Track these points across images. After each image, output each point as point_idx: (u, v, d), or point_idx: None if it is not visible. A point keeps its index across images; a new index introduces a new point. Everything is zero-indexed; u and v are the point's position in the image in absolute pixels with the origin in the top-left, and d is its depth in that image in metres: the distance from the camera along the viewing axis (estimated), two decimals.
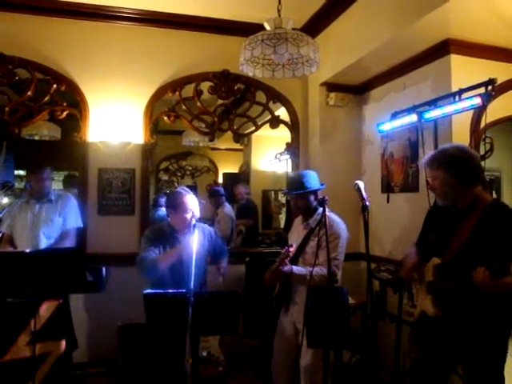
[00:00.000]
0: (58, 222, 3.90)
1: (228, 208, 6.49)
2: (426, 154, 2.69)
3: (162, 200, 6.60)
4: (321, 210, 3.10)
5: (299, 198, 3.17)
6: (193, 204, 3.34)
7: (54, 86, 4.37)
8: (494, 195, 5.98)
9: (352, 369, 4.00)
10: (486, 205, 2.42)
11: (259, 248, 5.77)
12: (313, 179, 3.20)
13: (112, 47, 4.52)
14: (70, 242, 3.86)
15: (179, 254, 3.20)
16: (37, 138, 6.18)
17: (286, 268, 3.00)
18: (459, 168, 2.43)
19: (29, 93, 4.31)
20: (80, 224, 4.07)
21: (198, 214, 3.33)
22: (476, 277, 2.18)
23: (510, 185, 6.26)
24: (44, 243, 3.78)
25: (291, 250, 3.07)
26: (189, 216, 3.30)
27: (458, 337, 2.43)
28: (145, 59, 4.58)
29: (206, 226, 3.64)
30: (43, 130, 5.98)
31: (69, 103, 4.47)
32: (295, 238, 3.30)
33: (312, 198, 3.17)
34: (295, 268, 3.04)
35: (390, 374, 3.68)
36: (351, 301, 3.59)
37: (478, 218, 2.38)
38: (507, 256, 2.15)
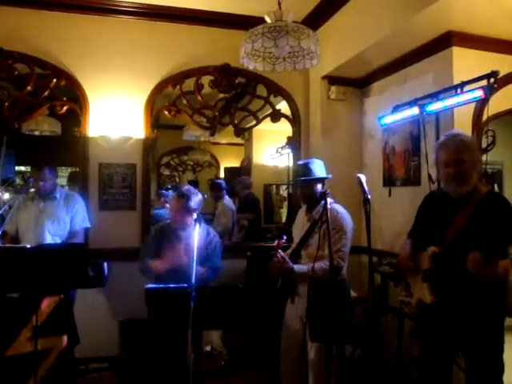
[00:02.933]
0: (65, 220, 3.90)
1: (228, 201, 6.50)
2: (436, 142, 2.65)
3: (165, 193, 6.63)
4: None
5: (306, 185, 3.16)
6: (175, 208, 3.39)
7: (54, 80, 4.34)
8: (496, 188, 5.97)
9: (354, 362, 4.00)
10: (483, 194, 2.46)
11: (261, 242, 5.75)
12: (320, 168, 3.19)
13: (112, 41, 4.49)
14: (78, 242, 3.87)
15: (180, 248, 3.22)
16: (37, 133, 6.17)
17: (286, 266, 3.00)
18: (477, 151, 2.48)
19: (28, 88, 4.28)
20: (87, 224, 4.09)
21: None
22: (469, 260, 2.22)
23: (511, 178, 6.25)
24: (49, 240, 3.78)
25: (281, 241, 3.07)
26: (173, 217, 3.37)
27: (455, 323, 2.45)
28: (145, 53, 4.56)
29: (211, 228, 3.64)
30: (43, 125, 5.98)
31: (69, 98, 4.45)
32: (299, 230, 3.27)
33: (319, 186, 3.15)
34: (296, 267, 3.03)
35: (393, 368, 3.68)
36: (353, 294, 3.58)
37: (476, 205, 2.41)
38: (503, 241, 2.18)
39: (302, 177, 3.16)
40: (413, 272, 2.66)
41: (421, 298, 2.57)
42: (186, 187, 3.54)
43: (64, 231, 3.90)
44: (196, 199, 3.38)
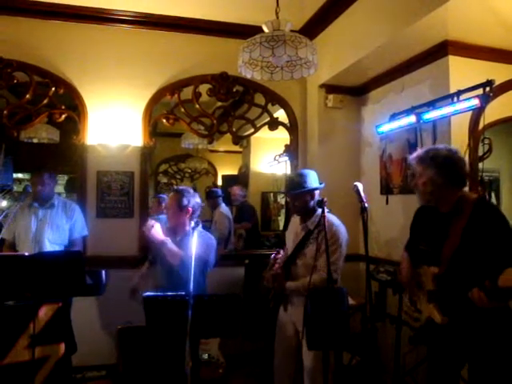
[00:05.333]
0: (64, 228, 3.93)
1: (224, 208, 6.51)
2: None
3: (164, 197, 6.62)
4: (320, 211, 3.04)
5: (297, 197, 3.11)
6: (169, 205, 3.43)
7: (53, 88, 4.37)
8: (493, 196, 5.98)
9: (352, 370, 3.99)
10: (472, 205, 2.41)
11: (258, 250, 5.75)
12: (311, 178, 3.13)
13: (110, 50, 4.52)
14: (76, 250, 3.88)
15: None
16: (36, 140, 6.18)
17: (278, 286, 3.02)
18: (449, 170, 2.43)
19: (27, 96, 4.31)
20: (86, 232, 4.12)
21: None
22: (473, 298, 2.20)
23: (508, 185, 6.26)
24: (48, 248, 3.79)
25: (278, 256, 3.07)
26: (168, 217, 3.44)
27: (465, 340, 2.42)
28: (143, 62, 4.58)
29: (208, 234, 3.60)
30: (42, 132, 5.99)
31: (67, 106, 4.48)
32: (292, 238, 3.24)
33: (310, 197, 3.10)
34: (287, 285, 3.04)
35: (391, 375, 3.68)
36: (351, 302, 3.58)
37: (467, 221, 2.37)
38: (501, 261, 2.16)
39: (291, 190, 3.12)
40: (417, 289, 2.64)
41: (431, 317, 2.53)
42: (183, 187, 3.55)
43: (62, 239, 3.91)
44: (192, 199, 3.36)
